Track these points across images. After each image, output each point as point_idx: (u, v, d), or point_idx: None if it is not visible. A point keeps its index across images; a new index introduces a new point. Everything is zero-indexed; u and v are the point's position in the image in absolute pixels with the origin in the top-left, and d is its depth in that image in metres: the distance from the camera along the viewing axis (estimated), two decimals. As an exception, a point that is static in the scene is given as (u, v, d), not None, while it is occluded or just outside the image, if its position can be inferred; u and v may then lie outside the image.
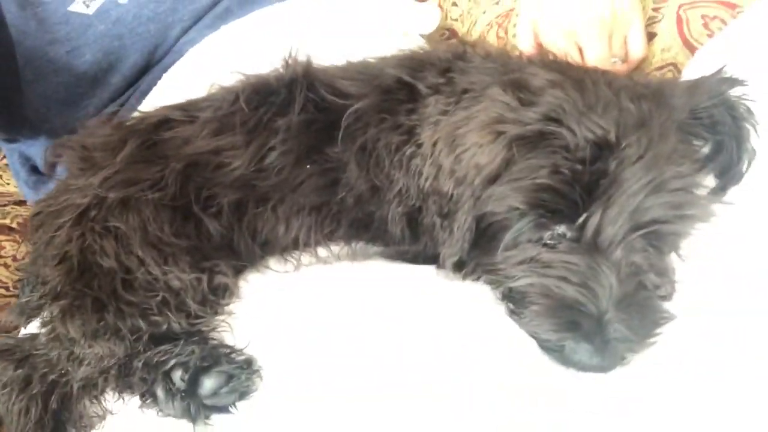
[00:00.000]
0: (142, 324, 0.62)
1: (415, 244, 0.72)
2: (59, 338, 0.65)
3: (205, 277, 0.64)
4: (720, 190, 0.65)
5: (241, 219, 0.69)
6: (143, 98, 0.97)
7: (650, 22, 0.90)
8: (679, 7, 0.87)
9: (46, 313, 0.69)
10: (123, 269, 0.63)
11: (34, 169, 1.06)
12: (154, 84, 0.98)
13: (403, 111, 0.71)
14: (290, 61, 0.73)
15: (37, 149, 1.03)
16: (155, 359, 0.61)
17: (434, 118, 0.69)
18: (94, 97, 0.99)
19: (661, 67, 0.89)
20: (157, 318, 0.63)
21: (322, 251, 0.73)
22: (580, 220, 0.57)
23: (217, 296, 0.65)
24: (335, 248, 0.73)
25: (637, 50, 0.88)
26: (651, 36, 0.90)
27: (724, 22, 0.83)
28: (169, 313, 0.63)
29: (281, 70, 0.73)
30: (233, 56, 0.94)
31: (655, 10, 0.90)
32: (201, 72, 0.92)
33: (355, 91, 0.72)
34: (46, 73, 0.95)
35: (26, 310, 0.74)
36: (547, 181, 0.56)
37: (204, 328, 0.65)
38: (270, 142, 0.69)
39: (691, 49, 0.86)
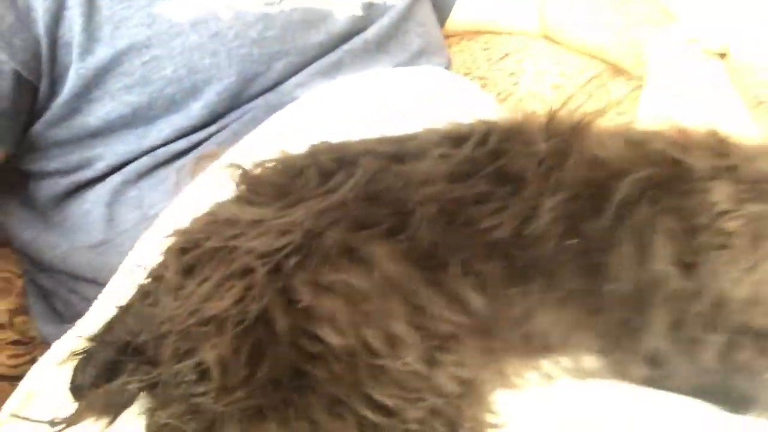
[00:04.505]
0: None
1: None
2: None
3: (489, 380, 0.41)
4: None
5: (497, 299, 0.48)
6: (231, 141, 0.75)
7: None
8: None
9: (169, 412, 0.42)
10: (366, 351, 0.39)
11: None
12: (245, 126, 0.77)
13: (677, 192, 0.56)
14: (558, 116, 0.56)
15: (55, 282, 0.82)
16: None
17: (724, 206, 0.55)
18: (164, 123, 0.76)
19: None
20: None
21: (567, 361, 0.53)
22: None
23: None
24: (587, 359, 0.53)
25: None
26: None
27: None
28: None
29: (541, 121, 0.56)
30: (356, 112, 0.76)
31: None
32: (318, 123, 0.73)
33: (619, 157, 0.56)
34: (115, 90, 0.73)
35: (113, 399, 0.46)
36: None
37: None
38: (542, 200, 0.50)
39: None
